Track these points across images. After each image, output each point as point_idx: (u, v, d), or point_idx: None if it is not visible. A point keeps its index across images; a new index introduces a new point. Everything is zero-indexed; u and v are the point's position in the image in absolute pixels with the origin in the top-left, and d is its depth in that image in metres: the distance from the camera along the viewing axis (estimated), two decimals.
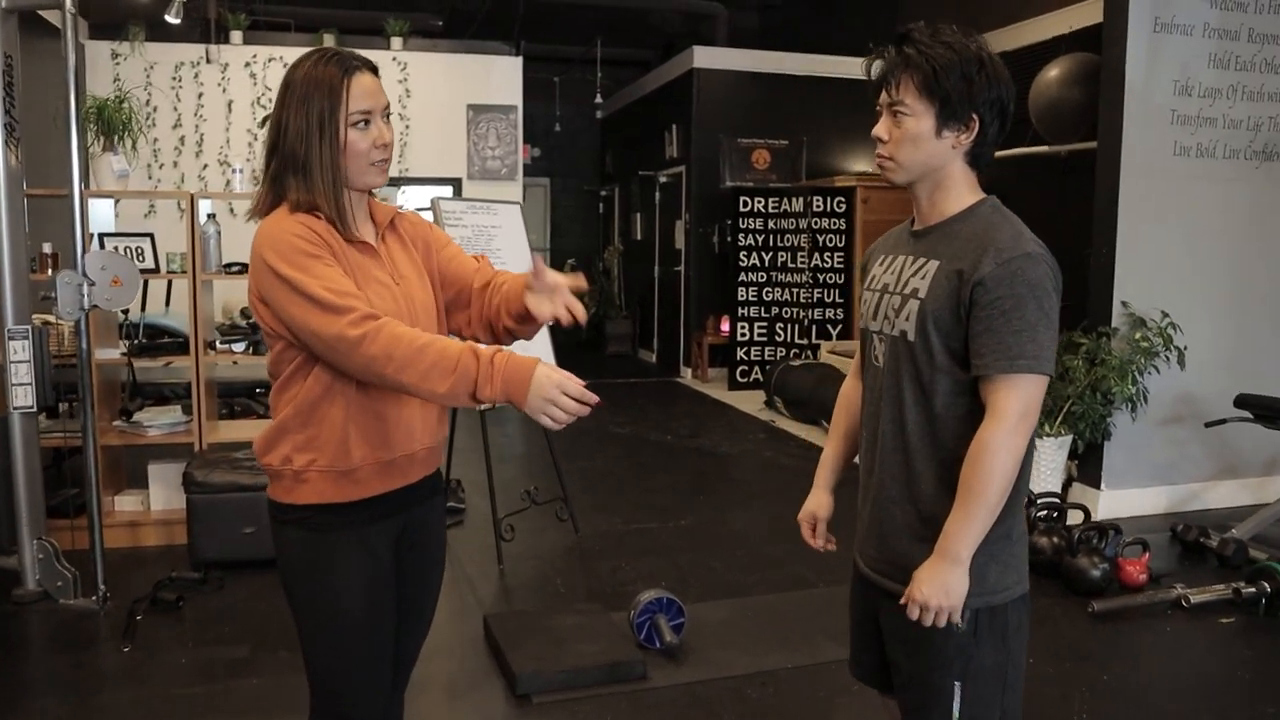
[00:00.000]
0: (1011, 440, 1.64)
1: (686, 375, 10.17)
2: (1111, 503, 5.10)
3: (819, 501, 2.07)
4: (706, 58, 9.79)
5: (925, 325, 1.72)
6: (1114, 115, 4.98)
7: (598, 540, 4.77)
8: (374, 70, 1.82)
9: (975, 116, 1.71)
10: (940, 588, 1.66)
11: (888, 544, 1.82)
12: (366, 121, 1.77)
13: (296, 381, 1.79)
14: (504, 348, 1.70)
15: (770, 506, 5.41)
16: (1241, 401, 4.86)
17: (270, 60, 8.88)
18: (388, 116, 1.82)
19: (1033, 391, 1.66)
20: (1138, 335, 4.96)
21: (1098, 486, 5.14)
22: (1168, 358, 4.90)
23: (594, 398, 1.63)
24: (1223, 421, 4.85)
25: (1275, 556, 4.29)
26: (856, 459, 2.04)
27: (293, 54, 8.88)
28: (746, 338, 9.26)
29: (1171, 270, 5.05)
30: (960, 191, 1.78)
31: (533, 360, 1.63)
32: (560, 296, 1.78)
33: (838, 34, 10.58)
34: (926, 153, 1.73)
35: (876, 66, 1.78)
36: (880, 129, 1.77)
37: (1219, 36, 5.03)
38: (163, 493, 4.66)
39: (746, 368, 9.27)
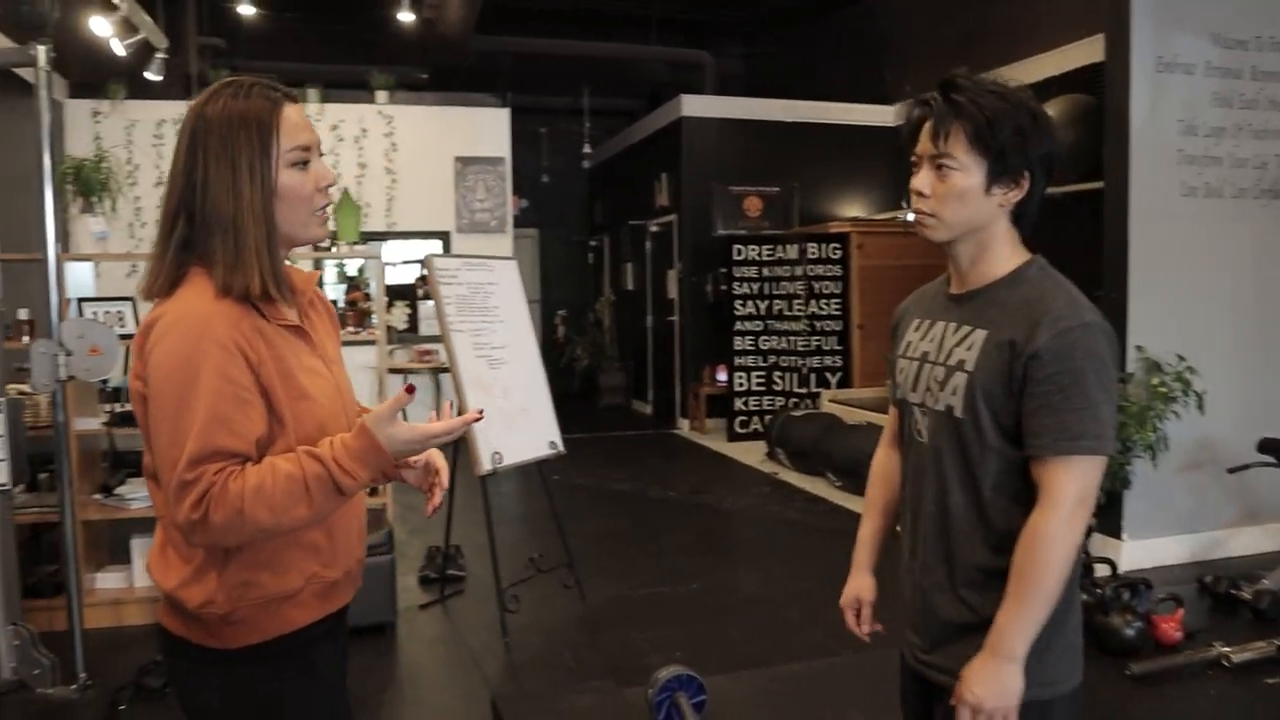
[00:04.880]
0: (1069, 528, 1.50)
1: (684, 427, 9.98)
2: (1134, 553, 4.93)
3: (861, 584, 1.90)
4: (695, 106, 9.73)
5: (974, 400, 1.57)
6: (1120, 157, 4.89)
7: (606, 608, 4.55)
8: (297, 101, 1.58)
9: (1027, 173, 1.58)
10: (995, 688, 1.51)
11: (935, 635, 1.67)
12: (306, 160, 1.52)
13: None
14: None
15: (782, 566, 5.19)
16: (1265, 446, 4.71)
17: None
18: (321, 154, 1.58)
19: (1091, 474, 1.51)
20: (1155, 381, 4.81)
21: (1119, 537, 4.97)
22: (1186, 403, 4.76)
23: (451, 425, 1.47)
24: (1246, 467, 4.70)
25: None
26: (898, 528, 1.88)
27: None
28: (745, 387, 9.09)
29: (1185, 313, 4.93)
30: (1005, 252, 1.64)
31: (361, 425, 1.43)
32: (433, 476, 1.63)
33: (822, 80, 10.59)
34: (973, 210, 1.59)
35: (916, 114, 1.64)
36: (920, 182, 1.61)
37: (1222, 75, 4.96)
38: None
39: (745, 418, 9.08)
